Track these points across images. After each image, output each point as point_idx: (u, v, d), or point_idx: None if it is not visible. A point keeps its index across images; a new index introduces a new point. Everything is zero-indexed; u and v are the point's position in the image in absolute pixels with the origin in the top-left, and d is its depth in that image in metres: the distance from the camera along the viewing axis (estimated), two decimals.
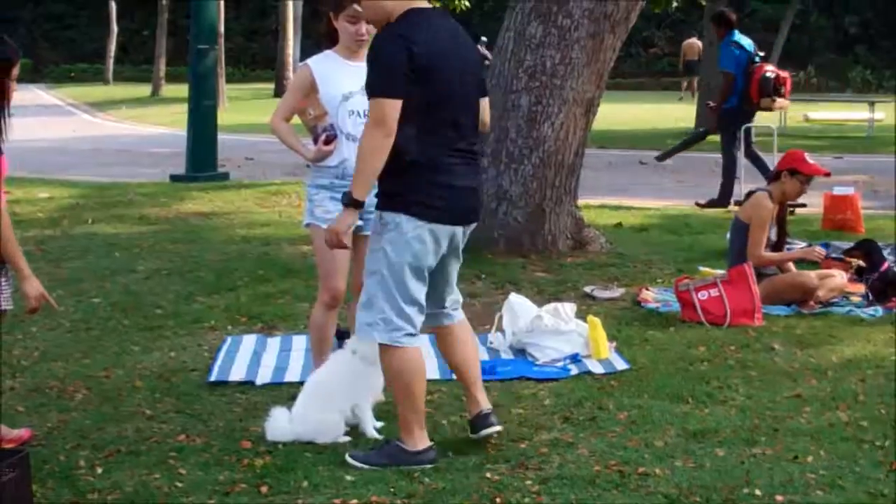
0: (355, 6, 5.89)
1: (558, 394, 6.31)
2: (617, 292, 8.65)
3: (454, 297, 5.53)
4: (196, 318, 8.04)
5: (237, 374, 6.73)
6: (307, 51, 55.67)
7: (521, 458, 5.31)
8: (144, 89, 41.29)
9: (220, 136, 16.97)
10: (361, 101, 5.94)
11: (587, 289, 8.74)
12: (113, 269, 9.66)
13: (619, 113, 26.93)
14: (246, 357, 7.05)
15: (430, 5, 5.18)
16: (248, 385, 6.58)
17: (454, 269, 5.47)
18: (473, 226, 5.43)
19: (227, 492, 4.97)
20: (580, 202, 13.15)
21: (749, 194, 8.57)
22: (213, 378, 6.64)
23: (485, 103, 5.36)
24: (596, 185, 15.67)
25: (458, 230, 5.27)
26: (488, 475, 5.10)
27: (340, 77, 6.01)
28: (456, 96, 5.11)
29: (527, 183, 9.86)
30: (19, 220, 12.35)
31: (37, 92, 47.50)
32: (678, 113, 28.59)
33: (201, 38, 15.74)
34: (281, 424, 5.61)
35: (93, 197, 14.34)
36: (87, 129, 27.97)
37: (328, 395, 5.60)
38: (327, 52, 6.16)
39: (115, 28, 51.04)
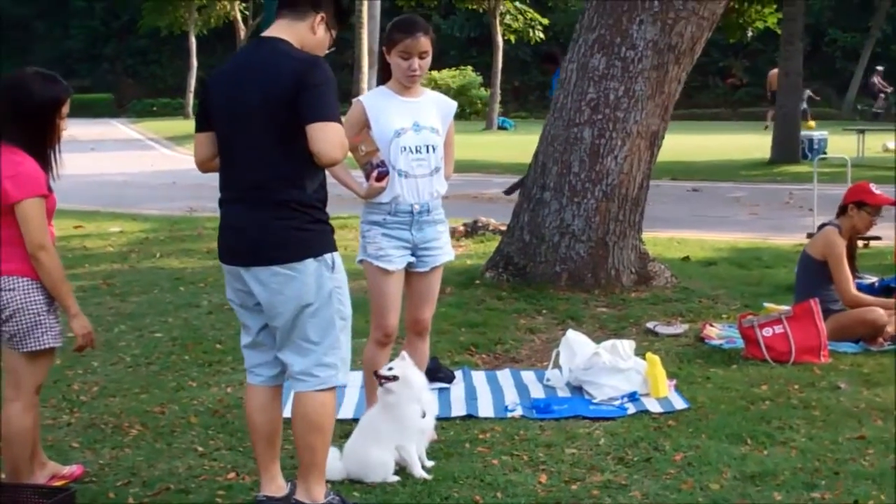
0: (407, 42, 5.86)
1: (613, 433, 6.17)
2: (680, 328, 8.49)
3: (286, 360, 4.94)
4: None
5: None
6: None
7: (573, 500, 5.19)
8: None
9: None
10: (414, 138, 5.91)
11: (649, 325, 8.60)
12: (177, 304, 9.68)
13: (692, 144, 26.71)
14: None
15: (276, 35, 4.85)
16: None
17: (272, 321, 4.87)
18: (261, 269, 4.75)
19: None
20: (647, 235, 13.08)
21: (821, 227, 8.37)
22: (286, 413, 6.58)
23: (316, 130, 4.61)
24: (666, 217, 15.57)
25: (237, 270, 4.83)
26: None
27: (393, 113, 5.96)
28: (228, 129, 4.82)
29: (590, 217, 9.74)
30: (89, 255, 12.50)
31: (118, 126, 48.30)
32: (753, 142, 28.25)
33: None
34: (331, 462, 5.52)
35: (162, 231, 14.45)
36: (165, 164, 28.22)
37: (376, 434, 5.52)
38: (381, 87, 6.11)
39: (194, 63, 51.61)
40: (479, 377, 7.38)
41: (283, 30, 4.83)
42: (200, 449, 6.04)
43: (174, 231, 14.56)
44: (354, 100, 6.17)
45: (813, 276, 8.13)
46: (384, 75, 6.10)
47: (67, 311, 5.05)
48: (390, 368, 5.60)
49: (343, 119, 5.72)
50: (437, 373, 7.17)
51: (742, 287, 10.16)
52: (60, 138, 5.10)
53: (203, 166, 4.97)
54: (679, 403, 6.67)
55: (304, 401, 4.85)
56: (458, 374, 7.39)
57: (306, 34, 4.86)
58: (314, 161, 4.65)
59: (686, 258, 11.89)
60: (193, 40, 50.96)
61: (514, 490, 5.33)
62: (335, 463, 5.52)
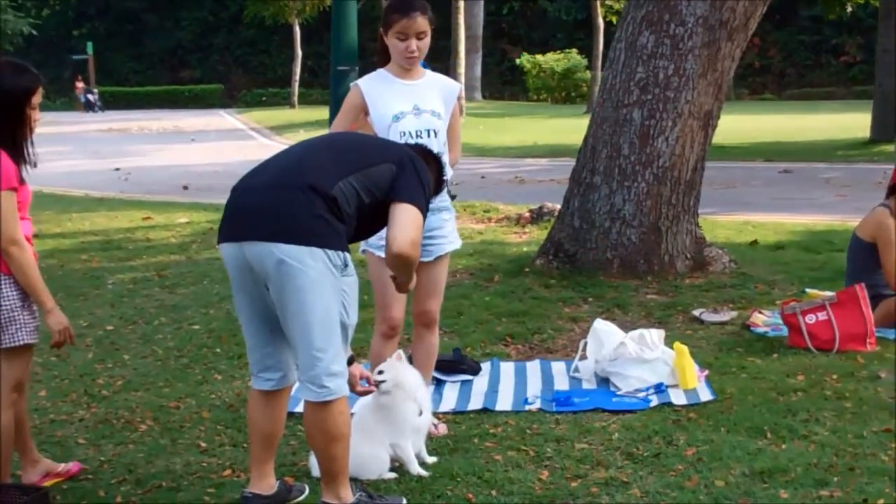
0: (403, 22, 5.69)
1: (629, 427, 5.96)
2: (727, 316, 8.21)
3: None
4: None
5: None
6: (489, 69, 56.03)
7: (568, 499, 5.01)
8: (327, 112, 41.89)
9: None
10: (414, 122, 5.75)
11: (696, 312, 8.33)
12: (222, 296, 9.63)
13: (794, 124, 26.13)
14: None
15: None
16: None
17: (278, 309, 4.74)
18: (265, 245, 4.57)
19: None
20: (721, 219, 12.79)
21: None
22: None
23: (401, 212, 4.75)
24: (750, 200, 15.23)
25: (242, 254, 4.68)
26: None
27: (391, 97, 5.80)
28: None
29: (641, 201, 9.48)
30: (150, 246, 12.56)
31: (225, 117, 48.87)
32: (858, 121, 27.49)
33: (341, 58, 15.76)
34: None
35: None
36: (259, 153, 28.33)
37: (370, 432, 5.37)
38: (380, 70, 5.95)
39: (299, 52, 51.95)
40: (506, 369, 7.21)
41: None
42: (203, 445, 5.97)
43: None
44: (352, 84, 6.01)
45: (862, 260, 7.81)
46: (383, 58, 5.93)
47: (42, 306, 4.97)
48: (380, 372, 5.44)
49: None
50: (460, 365, 7.04)
51: (803, 272, 9.82)
52: (33, 129, 5.02)
53: None
54: (705, 395, 6.42)
55: (321, 414, 4.67)
56: (487, 365, 7.22)
57: None
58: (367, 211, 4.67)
59: (754, 242, 11.54)
60: (297, 29, 51.26)
61: (510, 488, 5.15)
62: None
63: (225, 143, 31.46)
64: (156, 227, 14.05)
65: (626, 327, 7.50)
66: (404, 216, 4.65)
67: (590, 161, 9.76)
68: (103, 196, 18.69)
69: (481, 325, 8.28)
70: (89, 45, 67.05)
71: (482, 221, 13.71)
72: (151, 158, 27.43)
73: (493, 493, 5.10)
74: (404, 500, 5.00)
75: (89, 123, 45.87)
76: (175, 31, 70.90)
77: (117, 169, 23.90)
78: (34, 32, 56.02)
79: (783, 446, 5.55)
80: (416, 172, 4.77)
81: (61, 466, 5.55)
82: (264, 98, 60.79)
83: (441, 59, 44.33)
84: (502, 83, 60.69)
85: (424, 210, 4.75)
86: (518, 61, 52.15)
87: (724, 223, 13.07)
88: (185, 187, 19.22)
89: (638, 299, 8.89)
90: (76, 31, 70.96)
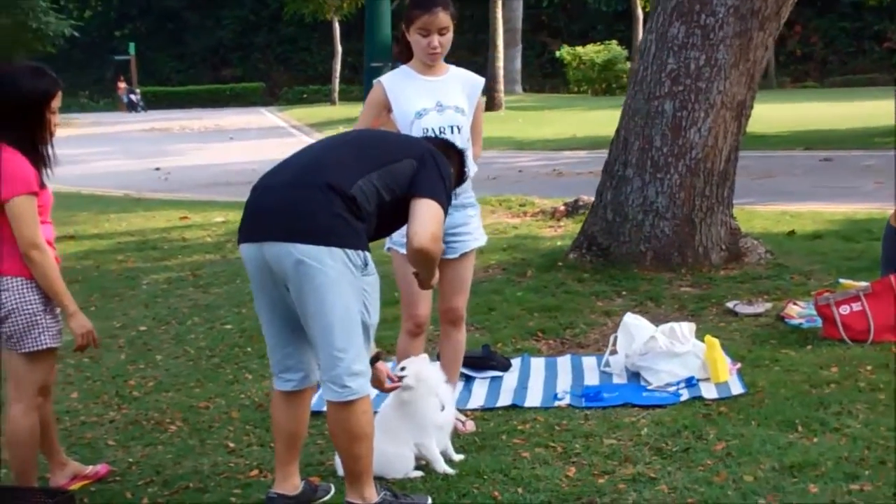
0: (425, 18, 5.65)
1: (659, 422, 5.90)
2: (761, 307, 8.12)
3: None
4: None
5: None
6: (529, 62, 55.90)
7: (594, 496, 4.96)
8: None
9: None
10: (437, 119, 5.70)
11: (730, 304, 8.25)
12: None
13: (835, 112, 25.87)
14: None
15: None
16: None
17: (298, 307, 4.74)
18: (283, 246, 4.56)
19: None
20: (759, 209, 12.68)
21: None
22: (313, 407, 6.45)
23: (421, 206, 4.75)
24: (790, 190, 15.12)
25: (262, 254, 4.70)
26: None
27: (414, 94, 5.75)
28: None
29: (674, 193, 9.40)
30: (186, 246, 12.60)
31: (266, 115, 49.00)
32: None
33: (374, 54, 15.74)
34: None
35: None
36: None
37: (393, 431, 5.34)
38: (402, 67, 5.91)
39: (339, 49, 52.01)
40: (537, 364, 7.17)
41: None
42: (232, 445, 5.97)
43: None
44: (375, 81, 5.96)
45: None
46: (405, 54, 5.89)
47: (65, 309, 4.98)
48: (402, 368, 5.41)
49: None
50: (489, 361, 7.00)
51: (841, 262, 9.70)
52: (53, 133, 5.01)
53: None
54: (737, 388, 6.35)
55: (344, 414, 4.64)
56: (517, 361, 7.18)
57: None
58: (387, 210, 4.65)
59: (791, 232, 11.42)
60: (337, 26, 51.33)
61: (536, 485, 5.11)
62: None
63: (265, 141, 31.52)
64: (192, 227, 14.09)
65: (659, 320, 7.45)
66: (425, 211, 4.62)
67: (622, 153, 9.69)
68: (142, 196, 18.79)
69: (513, 320, 8.23)
70: (131, 45, 67.51)
71: (517, 216, 13.66)
72: (191, 157, 27.55)
73: (520, 490, 5.07)
74: (429, 499, 4.97)
75: (131, 123, 46.17)
76: (216, 30, 71.22)
77: (157, 168, 24.02)
78: (76, 34, 56.28)
79: (814, 440, 5.48)
80: (437, 167, 4.75)
81: (89, 469, 5.56)
82: (305, 95, 60.96)
83: (480, 53, 44.36)
84: (543, 76, 60.53)
85: (445, 205, 4.72)
86: (558, 54, 52.02)
87: (762, 213, 12.95)
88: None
89: (671, 292, 8.81)
90: (118, 32, 71.45)
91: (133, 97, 61.38)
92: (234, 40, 71.30)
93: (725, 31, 9.24)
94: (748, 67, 9.36)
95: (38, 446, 5.10)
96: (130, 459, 5.83)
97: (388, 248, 5.92)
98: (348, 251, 4.47)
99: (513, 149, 25.06)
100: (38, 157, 4.95)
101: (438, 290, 5.99)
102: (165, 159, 26.50)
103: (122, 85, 63.49)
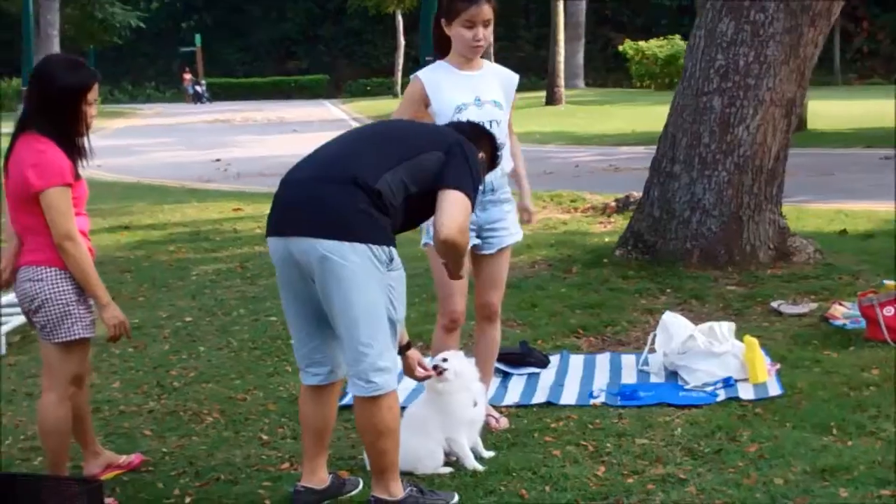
0: (471, 10, 5.60)
1: (693, 422, 5.84)
2: (806, 308, 8.03)
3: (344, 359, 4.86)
4: None
5: None
6: (593, 56, 55.66)
7: (621, 496, 4.92)
8: None
9: None
10: (476, 114, 5.68)
11: (774, 304, 8.16)
12: None
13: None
14: None
15: None
16: None
17: (325, 304, 4.73)
18: (307, 241, 4.56)
19: None
20: (814, 207, 12.54)
21: None
22: (345, 401, 6.44)
23: (447, 196, 4.67)
24: (848, 187, 14.94)
25: (287, 248, 4.70)
26: None
27: (452, 88, 5.72)
28: None
29: (721, 190, 9.32)
30: (237, 237, 12.68)
31: (329, 107, 49.16)
32: None
33: (429, 48, 15.71)
34: None
35: None
36: None
37: (424, 425, 5.33)
38: (440, 62, 5.88)
39: (402, 42, 52.14)
40: (576, 361, 7.13)
41: None
42: (265, 437, 5.98)
43: None
44: (412, 76, 5.94)
45: None
46: (441, 49, 5.86)
47: (98, 300, 4.99)
48: (444, 360, 5.39)
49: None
50: (527, 357, 6.97)
51: (892, 262, 9.54)
52: (90, 126, 5.04)
53: None
54: (774, 390, 6.27)
55: (369, 409, 4.64)
56: (556, 358, 7.15)
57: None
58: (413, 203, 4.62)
59: (843, 232, 11.28)
60: (400, 19, 51.45)
61: (564, 483, 5.07)
62: None
63: (327, 134, 31.04)
64: (244, 219, 14.16)
65: (702, 319, 7.39)
66: (452, 203, 4.57)
67: (669, 150, 9.63)
68: (198, 187, 18.92)
69: (554, 316, 8.20)
70: (197, 36, 67.99)
71: (568, 211, 13.61)
72: (252, 149, 27.68)
73: (547, 488, 5.04)
74: (456, 497, 4.94)
75: (196, 115, 46.54)
76: (281, 23, 71.60)
77: (217, 160, 24.15)
78: (142, 25, 56.86)
79: (849, 443, 5.41)
80: (466, 158, 4.70)
81: (122, 458, 5.59)
82: (369, 88, 61.17)
83: (543, 47, 44.26)
84: (606, 70, 60.29)
85: (473, 196, 4.66)
86: (621, 48, 51.73)
87: (816, 211, 12.81)
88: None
89: (717, 290, 8.73)
90: (184, 24, 72.03)
91: (198, 88, 61.86)
92: (300, 33, 71.64)
93: (775, 28, 9.14)
94: (798, 64, 9.26)
95: (69, 435, 5.13)
96: (165, 450, 5.85)
97: (425, 244, 5.89)
98: (373, 246, 4.47)
99: (571, 144, 24.97)
100: (74, 149, 4.97)
101: (474, 285, 5.98)
102: (226, 150, 26.67)
103: (188, 76, 64.00)
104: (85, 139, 5.03)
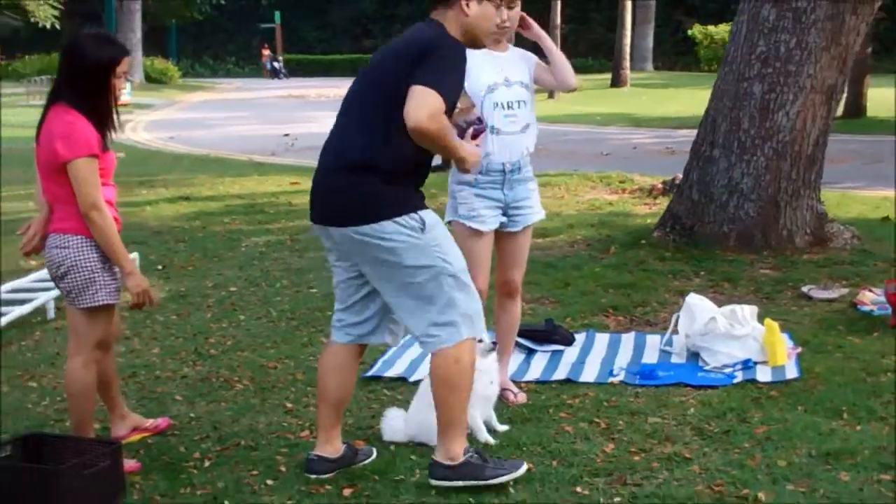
0: None
1: (707, 403, 5.80)
2: (836, 293, 7.93)
3: (405, 323, 4.90)
4: None
5: (397, 369, 6.56)
6: (663, 39, 55.08)
7: (626, 473, 4.90)
8: None
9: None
10: (506, 94, 5.70)
11: (804, 288, 8.07)
12: None
13: None
14: (414, 353, 6.81)
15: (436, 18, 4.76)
16: (401, 381, 6.39)
17: (373, 283, 4.82)
18: (341, 230, 4.66)
19: (311, 492, 4.83)
20: (858, 194, 12.37)
21: None
22: (370, 373, 6.49)
23: (413, 92, 4.43)
24: (893, 175, 14.65)
25: (322, 229, 4.81)
26: (579, 489, 4.75)
27: (483, 68, 5.69)
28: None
29: (759, 175, 9.22)
30: (291, 210, 12.78)
31: None
32: None
33: None
34: (395, 424, 5.45)
35: None
36: None
37: None
38: None
39: None
40: (601, 340, 7.10)
41: (438, 16, 4.74)
42: (290, 405, 6.02)
43: None
44: None
45: None
46: None
47: (123, 269, 5.04)
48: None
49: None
50: (552, 335, 6.95)
51: None
52: (118, 99, 5.09)
53: None
54: (792, 373, 6.22)
55: (438, 359, 4.70)
56: (581, 336, 7.12)
57: (459, 19, 4.71)
58: (405, 132, 4.45)
59: (885, 219, 11.09)
60: None
61: (572, 459, 5.07)
62: (399, 426, 5.41)
63: None
64: (300, 192, 14.20)
65: (733, 302, 7.31)
66: (418, 94, 4.41)
67: (710, 134, 9.54)
68: (263, 160, 19.03)
69: (586, 295, 8.17)
70: (277, 14, 68.18)
71: (616, 192, 13.53)
72: (321, 125, 27.42)
73: (554, 463, 5.04)
74: (525, 466, 4.86)
75: (271, 90, 46.74)
76: (359, 2, 71.55)
77: (286, 135, 24.26)
78: (222, 2, 57.22)
79: (857, 428, 5.35)
80: (434, 56, 4.51)
81: (149, 422, 5.66)
82: None
83: (613, 30, 43.94)
84: (675, 54, 59.56)
85: (435, 81, 4.45)
86: (690, 32, 51.21)
87: (861, 198, 12.64)
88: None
89: (750, 274, 8.65)
90: (265, 1, 72.22)
91: (276, 64, 62.13)
92: (377, 11, 71.51)
93: (817, 15, 9.02)
94: (840, 52, 9.12)
95: (93, 398, 5.19)
96: (192, 415, 5.91)
97: (450, 222, 5.88)
98: (398, 219, 4.54)
99: (631, 126, 24.83)
100: (102, 122, 5.02)
101: (497, 263, 5.98)
102: (296, 125, 26.77)
103: (266, 52, 64.28)
104: (113, 111, 5.08)
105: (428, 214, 4.63)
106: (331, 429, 5.05)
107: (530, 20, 5.88)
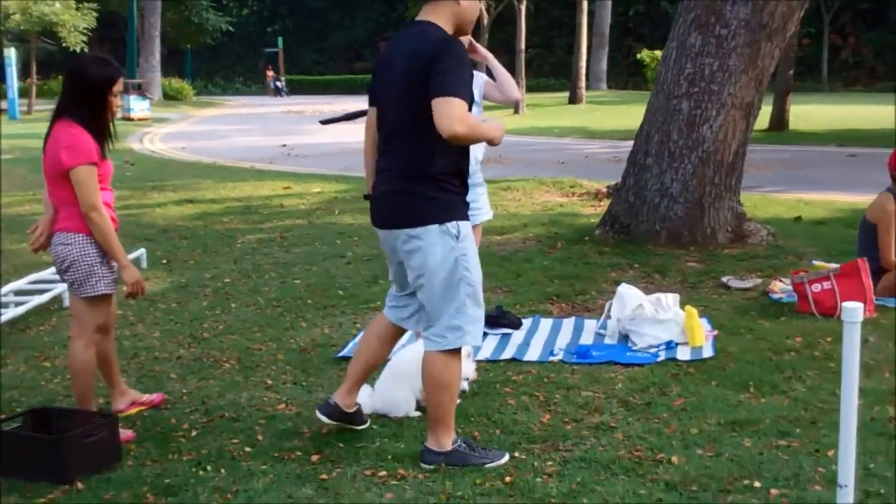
0: None
1: (633, 378, 5.81)
2: (751, 283, 7.94)
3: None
4: (367, 300, 7.90)
5: None
6: (616, 62, 55.19)
7: (558, 440, 4.90)
8: None
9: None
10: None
11: (724, 279, 8.09)
12: (326, 255, 9.69)
13: (874, 113, 25.12)
14: None
15: (425, 18, 4.52)
16: None
17: (411, 279, 4.67)
18: (397, 232, 4.55)
19: (284, 458, 4.81)
20: (780, 196, 12.41)
21: None
22: (342, 353, 6.48)
23: (436, 105, 4.24)
24: (812, 180, 14.74)
25: (379, 233, 4.73)
26: (517, 454, 4.74)
27: None
28: (381, 101, 4.63)
29: (687, 180, 9.24)
30: (282, 212, 12.70)
31: None
32: None
33: None
34: (361, 397, 5.40)
35: (353, 191, 14.45)
36: None
37: (405, 375, 5.31)
38: None
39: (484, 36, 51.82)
40: (545, 324, 7.09)
41: (429, 12, 4.52)
42: (269, 382, 6.00)
43: (362, 191, 14.60)
44: None
45: (868, 238, 7.51)
46: None
47: (118, 262, 5.04)
48: None
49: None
50: (501, 320, 6.94)
51: (834, 245, 9.42)
52: (115, 113, 5.08)
53: (370, 138, 4.82)
54: (708, 352, 6.23)
55: (432, 361, 4.61)
56: (528, 321, 7.12)
57: (452, 8, 4.51)
58: (443, 140, 4.31)
59: (798, 218, 11.13)
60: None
61: (513, 428, 5.08)
62: (364, 399, 5.38)
63: None
64: (291, 196, 14.17)
65: (661, 290, 7.30)
66: (442, 106, 4.23)
67: (644, 145, 9.55)
68: (262, 167, 18.96)
69: (534, 285, 8.16)
70: (280, 39, 68.11)
71: (567, 195, 13.53)
72: (316, 137, 27.64)
73: (497, 431, 5.04)
74: (506, 456, 4.75)
75: (273, 106, 46.63)
76: (353, 29, 71.49)
77: (284, 145, 24.20)
78: (231, 28, 57.08)
79: (762, 400, 5.37)
80: (440, 65, 4.27)
81: (145, 397, 5.64)
82: None
83: (571, 53, 43.89)
84: (628, 75, 59.64)
85: (454, 89, 4.25)
86: (639, 56, 51.27)
87: (779, 200, 12.66)
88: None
89: (678, 266, 8.65)
90: (270, 28, 72.12)
91: (279, 83, 61.95)
92: (367, 38, 71.41)
93: (737, 41, 9.03)
94: (757, 73, 9.14)
95: (93, 376, 5.16)
96: (185, 391, 5.89)
97: None
98: (442, 226, 4.44)
99: (585, 137, 24.82)
100: (101, 134, 5.00)
101: None
102: (293, 137, 26.72)
103: (270, 73, 64.15)
104: (110, 124, 5.07)
105: (463, 225, 4.53)
106: (355, 386, 5.03)
107: (476, 44, 5.85)
